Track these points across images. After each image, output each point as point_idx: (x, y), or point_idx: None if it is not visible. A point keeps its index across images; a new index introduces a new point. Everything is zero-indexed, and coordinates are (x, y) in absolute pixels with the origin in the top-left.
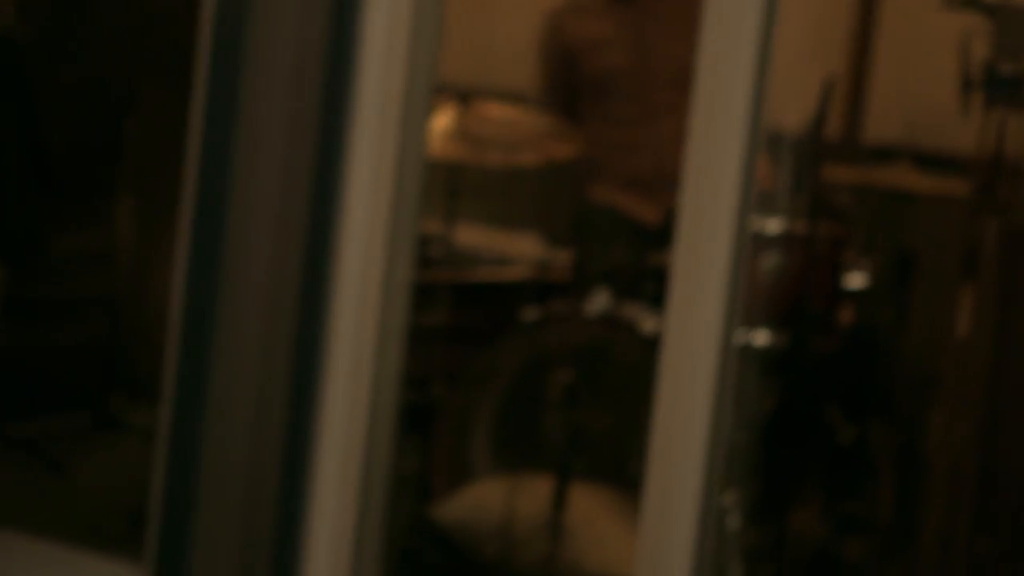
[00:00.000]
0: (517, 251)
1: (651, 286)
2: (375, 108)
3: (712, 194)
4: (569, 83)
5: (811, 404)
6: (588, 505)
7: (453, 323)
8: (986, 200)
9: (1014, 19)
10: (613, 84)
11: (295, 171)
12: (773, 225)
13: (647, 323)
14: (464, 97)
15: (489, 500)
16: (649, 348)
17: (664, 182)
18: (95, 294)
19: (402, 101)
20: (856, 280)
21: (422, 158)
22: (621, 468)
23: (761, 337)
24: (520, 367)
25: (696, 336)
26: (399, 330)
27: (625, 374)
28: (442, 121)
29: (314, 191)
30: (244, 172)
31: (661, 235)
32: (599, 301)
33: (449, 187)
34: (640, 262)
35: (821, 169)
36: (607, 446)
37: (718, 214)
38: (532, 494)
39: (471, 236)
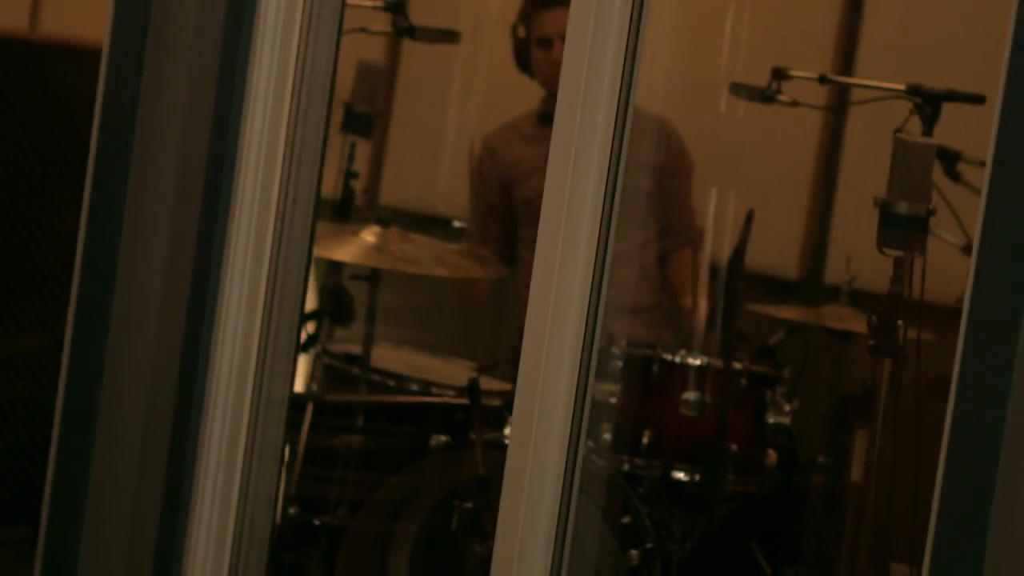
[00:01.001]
0: (442, 376)
1: None
2: (250, 226)
3: (558, 313)
4: (503, 207)
5: (732, 544)
6: None
7: (369, 445)
8: (882, 342)
9: (913, 154)
10: None
11: (175, 282)
12: (695, 359)
13: None
14: (385, 221)
15: None
16: None
17: None
18: (32, 399)
19: (278, 215)
20: (783, 418)
21: (302, 270)
22: None
23: (681, 473)
24: (433, 493)
25: (538, 458)
26: (274, 447)
27: None
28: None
29: (191, 303)
30: (126, 281)
31: None
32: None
33: (372, 310)
34: None
35: (743, 302)
36: None
37: (564, 333)
38: None
39: (396, 360)
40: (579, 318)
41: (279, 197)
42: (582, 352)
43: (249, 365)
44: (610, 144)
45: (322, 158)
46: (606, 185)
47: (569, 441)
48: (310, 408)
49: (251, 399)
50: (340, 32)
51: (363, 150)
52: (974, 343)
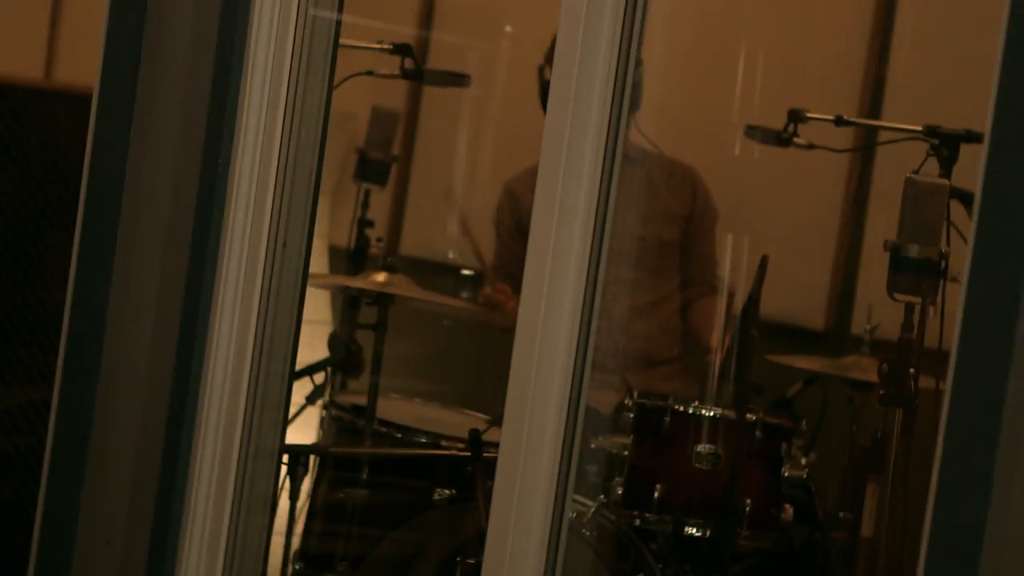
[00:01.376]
0: (452, 428)
1: (593, 470)
2: (239, 271)
3: (545, 368)
4: (522, 254)
5: None
6: None
7: (374, 499)
8: (893, 391)
9: (924, 195)
10: None
11: (163, 328)
12: (708, 411)
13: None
14: (392, 267)
15: None
16: None
17: (618, 364)
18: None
19: (268, 260)
20: (799, 472)
21: (294, 316)
22: None
23: (693, 528)
24: (438, 548)
25: (523, 513)
26: (263, 499)
27: None
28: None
29: (180, 349)
30: (115, 327)
31: (607, 421)
32: None
33: (378, 360)
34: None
35: (756, 351)
36: None
37: (550, 384)
38: None
39: (405, 412)
40: (565, 370)
41: (268, 242)
42: (568, 403)
43: (238, 414)
44: (597, 188)
45: (314, 203)
46: (593, 231)
47: (555, 498)
48: (314, 461)
49: (239, 449)
50: (332, 76)
51: (381, 198)
52: (962, 385)
